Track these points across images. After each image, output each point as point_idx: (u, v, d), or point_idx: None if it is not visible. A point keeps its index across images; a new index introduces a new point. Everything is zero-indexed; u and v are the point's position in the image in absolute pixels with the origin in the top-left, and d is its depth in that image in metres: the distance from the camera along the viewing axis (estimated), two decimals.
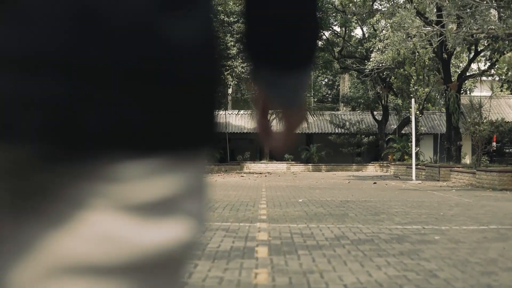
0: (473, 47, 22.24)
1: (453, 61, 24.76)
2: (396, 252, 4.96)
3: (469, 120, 19.09)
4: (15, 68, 0.50)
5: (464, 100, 24.38)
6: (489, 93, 24.76)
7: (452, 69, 23.91)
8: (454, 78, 23.34)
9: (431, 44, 17.34)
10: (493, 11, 14.59)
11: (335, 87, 39.68)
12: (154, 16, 0.55)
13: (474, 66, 25.27)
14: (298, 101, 0.79)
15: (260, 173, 24.90)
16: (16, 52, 0.51)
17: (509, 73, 12.45)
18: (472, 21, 12.70)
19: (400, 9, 17.64)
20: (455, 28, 14.87)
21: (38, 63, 0.51)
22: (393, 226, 6.77)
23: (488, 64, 24.23)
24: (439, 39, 15.81)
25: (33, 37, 0.51)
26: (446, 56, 20.42)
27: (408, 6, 17.42)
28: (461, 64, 26.79)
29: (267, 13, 0.70)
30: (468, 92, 31.18)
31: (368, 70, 24.57)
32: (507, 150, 28.04)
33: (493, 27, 12.28)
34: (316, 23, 0.75)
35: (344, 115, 34.92)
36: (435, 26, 15.51)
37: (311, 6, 0.74)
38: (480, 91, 24.80)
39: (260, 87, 0.77)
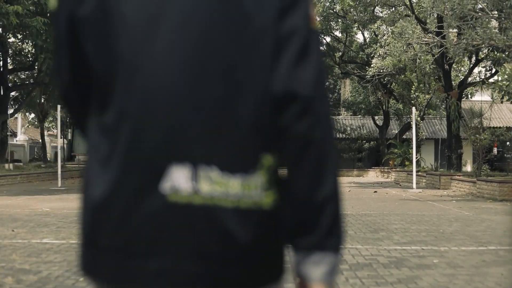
0: (474, 55, 22.22)
1: (455, 65, 24.73)
2: (394, 280, 4.96)
3: (470, 125, 19.06)
4: None
5: (465, 105, 24.31)
6: (490, 98, 24.75)
7: (453, 74, 23.89)
8: (455, 82, 23.31)
9: (433, 55, 17.33)
10: (494, 22, 14.58)
11: (336, 91, 39.67)
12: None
13: (476, 70, 25.24)
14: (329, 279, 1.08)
15: None
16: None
17: (509, 84, 12.44)
18: (473, 32, 12.68)
19: (401, 19, 17.62)
20: (455, 39, 14.86)
21: None
22: (392, 246, 6.77)
23: (488, 75, 24.22)
24: (439, 50, 15.82)
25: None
26: (447, 67, 20.40)
27: (409, 15, 17.40)
28: (462, 69, 26.76)
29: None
30: (469, 97, 31.15)
31: (369, 76, 24.56)
32: (508, 156, 28.03)
33: (494, 40, 12.27)
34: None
35: (345, 120, 34.90)
36: (436, 37, 15.50)
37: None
38: (481, 96, 24.77)
39: (298, 274, 1.08)
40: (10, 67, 24.75)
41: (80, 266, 1.09)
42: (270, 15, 1.04)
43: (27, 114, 35.82)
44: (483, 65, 23.63)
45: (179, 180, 1.00)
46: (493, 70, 23.31)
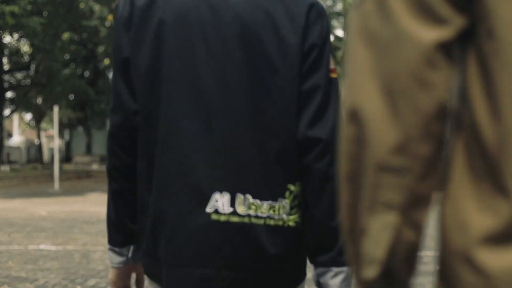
0: None
1: None
2: None
3: None
4: None
5: None
6: None
7: None
8: None
9: None
10: None
11: None
12: None
13: None
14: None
15: None
16: None
17: None
18: None
19: None
20: None
21: None
22: None
23: None
24: None
25: None
26: None
27: None
28: None
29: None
30: None
31: None
32: None
33: None
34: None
35: None
36: None
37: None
38: None
39: (319, 284, 1.31)
40: (6, 67, 24.62)
41: (144, 270, 1.38)
42: (294, 72, 1.24)
43: (24, 114, 35.69)
44: None
45: (220, 204, 1.23)
46: None
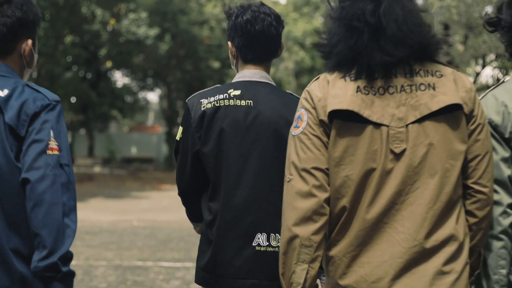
0: (482, 61, 22.02)
1: (463, 67, 24.38)
2: None
3: None
4: None
5: None
6: None
7: None
8: None
9: None
10: None
11: None
12: None
13: (483, 74, 24.95)
14: None
15: None
16: None
17: None
18: (480, 40, 12.50)
19: None
20: (461, 47, 14.68)
21: None
22: None
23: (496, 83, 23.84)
24: (446, 60, 15.61)
25: None
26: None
27: None
28: (470, 69, 26.39)
29: None
30: None
31: None
32: None
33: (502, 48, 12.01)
34: None
35: None
36: None
37: None
38: None
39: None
40: None
41: (200, 281, 2.13)
42: None
43: None
44: (490, 73, 23.37)
45: (261, 240, 2.05)
46: (502, 80, 22.96)
